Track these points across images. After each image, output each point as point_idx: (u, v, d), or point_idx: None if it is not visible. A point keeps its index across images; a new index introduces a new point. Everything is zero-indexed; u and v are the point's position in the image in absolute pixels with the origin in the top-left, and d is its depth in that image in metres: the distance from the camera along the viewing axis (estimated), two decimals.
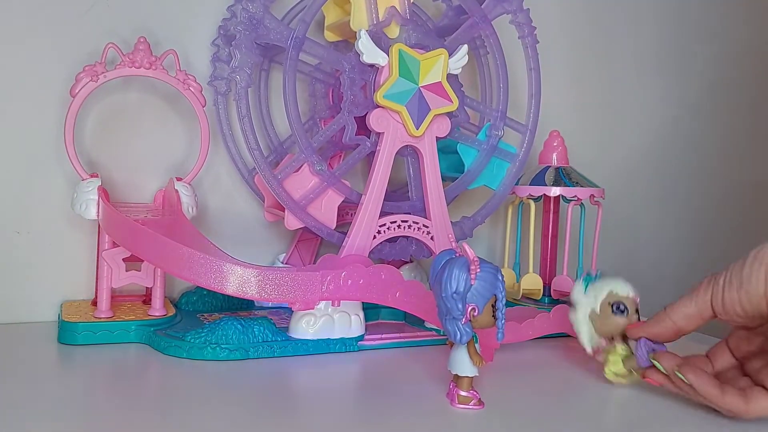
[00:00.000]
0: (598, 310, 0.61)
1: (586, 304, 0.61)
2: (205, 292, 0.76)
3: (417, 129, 0.68)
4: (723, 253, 0.98)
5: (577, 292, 0.62)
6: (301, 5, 0.79)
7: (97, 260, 0.69)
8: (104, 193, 0.68)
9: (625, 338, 0.60)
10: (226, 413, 0.50)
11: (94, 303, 0.70)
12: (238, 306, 0.77)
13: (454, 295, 0.50)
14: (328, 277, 0.61)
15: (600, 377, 0.61)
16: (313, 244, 0.83)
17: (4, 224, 0.73)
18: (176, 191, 0.70)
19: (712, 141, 1.14)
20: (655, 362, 0.55)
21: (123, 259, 0.67)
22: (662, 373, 0.55)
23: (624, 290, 0.61)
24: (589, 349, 0.61)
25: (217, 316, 0.71)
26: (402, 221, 0.71)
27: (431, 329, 0.71)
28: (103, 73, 0.68)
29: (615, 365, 0.59)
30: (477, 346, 0.53)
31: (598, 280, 0.62)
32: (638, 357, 0.57)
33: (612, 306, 0.60)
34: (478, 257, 0.51)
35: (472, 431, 0.49)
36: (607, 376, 0.59)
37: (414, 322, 0.72)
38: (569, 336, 0.73)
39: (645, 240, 1.10)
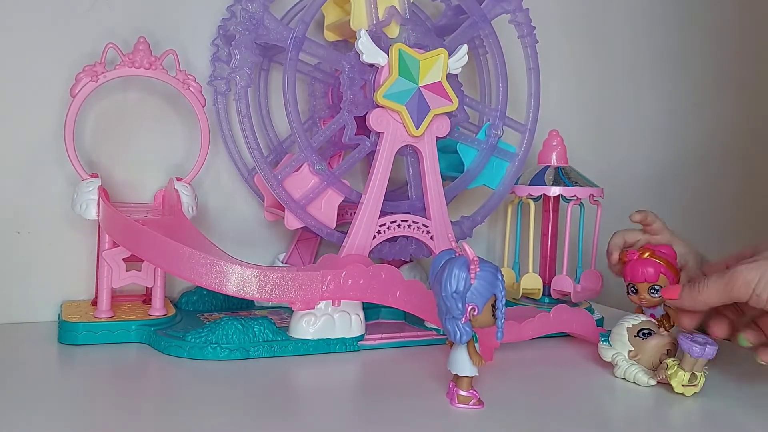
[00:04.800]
0: (632, 347, 0.61)
1: (620, 352, 0.62)
2: (205, 292, 0.76)
3: (417, 129, 0.68)
4: (723, 251, 0.97)
5: (606, 351, 0.63)
6: (301, 5, 0.80)
7: (97, 260, 0.69)
8: (104, 193, 0.68)
9: (668, 353, 0.60)
10: (226, 413, 0.50)
11: (95, 303, 0.70)
12: (238, 306, 0.77)
13: (454, 294, 0.50)
14: (329, 277, 0.61)
15: (599, 377, 0.61)
16: (313, 244, 0.83)
17: (4, 224, 0.73)
18: (176, 191, 0.70)
19: (711, 140, 1.14)
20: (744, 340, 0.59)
21: (123, 259, 0.67)
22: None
23: (635, 319, 0.63)
24: (654, 382, 0.60)
25: (218, 316, 0.71)
26: (402, 221, 0.71)
27: (431, 329, 0.71)
28: (102, 73, 0.68)
29: (677, 376, 0.57)
30: (477, 345, 0.53)
31: (610, 331, 0.64)
32: (687, 350, 0.56)
33: (639, 335, 0.61)
34: (478, 257, 0.51)
35: (471, 431, 0.50)
36: (677, 391, 0.57)
37: (414, 321, 0.72)
38: (569, 336, 0.73)
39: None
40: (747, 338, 0.59)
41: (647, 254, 0.66)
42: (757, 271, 0.55)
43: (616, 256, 0.71)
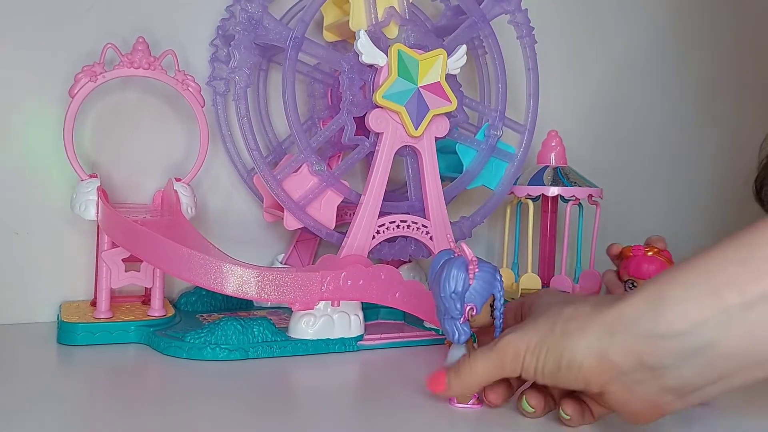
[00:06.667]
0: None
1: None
2: (204, 293, 0.76)
3: (416, 129, 0.69)
4: None
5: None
6: (300, 5, 0.80)
7: (97, 261, 0.69)
8: (103, 193, 0.68)
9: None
10: (225, 413, 0.50)
11: (94, 303, 0.70)
12: (237, 306, 0.77)
13: (453, 294, 0.50)
14: (328, 278, 0.61)
15: None
16: (312, 245, 0.83)
17: (3, 224, 0.73)
18: (175, 192, 0.70)
19: (712, 140, 1.14)
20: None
21: (122, 260, 0.67)
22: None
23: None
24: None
25: (217, 317, 0.71)
26: (401, 221, 0.71)
27: (430, 329, 0.71)
28: (101, 73, 0.68)
29: None
30: (475, 345, 0.53)
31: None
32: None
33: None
34: (477, 257, 0.51)
35: (470, 430, 0.50)
36: None
37: (413, 321, 0.72)
38: None
39: (643, 240, 1.10)
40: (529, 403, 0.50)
41: (651, 252, 0.65)
42: (523, 339, 0.46)
43: (617, 249, 0.69)
